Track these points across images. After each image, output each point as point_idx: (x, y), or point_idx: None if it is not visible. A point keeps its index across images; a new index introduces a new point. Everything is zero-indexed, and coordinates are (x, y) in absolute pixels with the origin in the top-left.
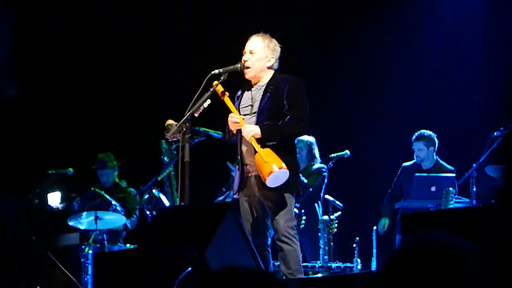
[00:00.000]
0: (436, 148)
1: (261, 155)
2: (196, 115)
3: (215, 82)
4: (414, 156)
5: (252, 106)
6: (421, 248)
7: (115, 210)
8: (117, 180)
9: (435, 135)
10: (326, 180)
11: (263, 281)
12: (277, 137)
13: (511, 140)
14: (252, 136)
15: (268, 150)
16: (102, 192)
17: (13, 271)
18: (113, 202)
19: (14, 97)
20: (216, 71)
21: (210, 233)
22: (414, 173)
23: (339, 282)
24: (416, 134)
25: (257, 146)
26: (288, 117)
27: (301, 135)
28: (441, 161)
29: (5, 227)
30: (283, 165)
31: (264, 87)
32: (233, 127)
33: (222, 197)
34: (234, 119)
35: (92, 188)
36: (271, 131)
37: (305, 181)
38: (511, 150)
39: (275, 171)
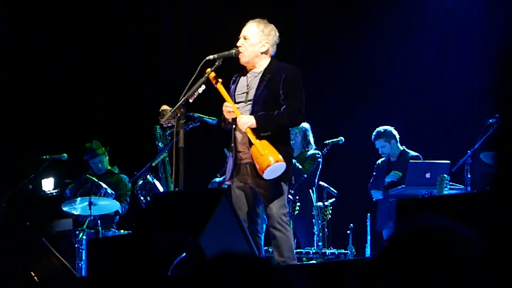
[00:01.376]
0: (398, 140)
1: (257, 147)
2: (190, 100)
3: (208, 70)
4: (381, 153)
5: (247, 93)
6: (416, 234)
7: (105, 194)
8: (109, 166)
9: (392, 128)
10: (320, 167)
11: (257, 267)
12: (272, 128)
13: (503, 128)
14: (248, 127)
15: (264, 142)
16: (94, 178)
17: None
18: (103, 186)
19: None
20: (211, 56)
21: (204, 218)
22: (384, 168)
23: (333, 268)
24: (373, 134)
25: (253, 138)
26: (284, 107)
27: (297, 125)
28: (407, 150)
29: None
30: (280, 157)
31: (260, 75)
32: (228, 116)
33: (217, 181)
34: (228, 109)
35: (84, 175)
36: (267, 122)
37: (300, 167)
38: (504, 138)
39: (272, 164)
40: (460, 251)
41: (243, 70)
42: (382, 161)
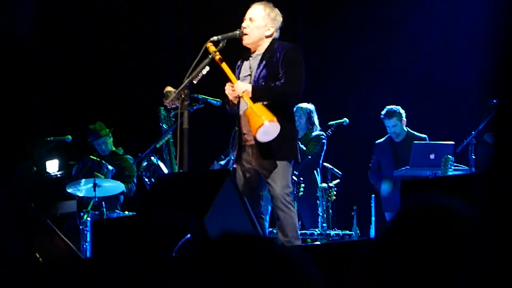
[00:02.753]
0: (405, 120)
1: (252, 108)
2: (194, 82)
3: (213, 48)
4: (390, 133)
5: (250, 75)
6: (418, 213)
7: (107, 171)
8: (113, 148)
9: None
10: (325, 148)
11: (261, 247)
12: (268, 96)
13: (501, 109)
14: (244, 92)
15: (259, 105)
16: (96, 158)
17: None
18: (104, 162)
19: None
20: (215, 37)
21: (209, 200)
22: (387, 148)
23: (337, 249)
24: (385, 111)
25: (249, 101)
26: (282, 80)
27: (294, 97)
28: (411, 131)
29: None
30: (275, 118)
31: (261, 55)
32: (230, 96)
33: (223, 163)
34: (230, 89)
35: (87, 156)
36: (263, 89)
37: (304, 148)
38: (502, 118)
39: (265, 124)
40: (461, 229)
41: (245, 54)
42: (382, 143)
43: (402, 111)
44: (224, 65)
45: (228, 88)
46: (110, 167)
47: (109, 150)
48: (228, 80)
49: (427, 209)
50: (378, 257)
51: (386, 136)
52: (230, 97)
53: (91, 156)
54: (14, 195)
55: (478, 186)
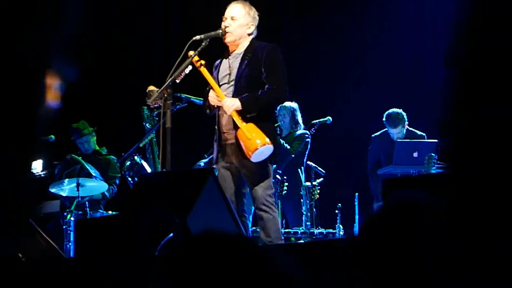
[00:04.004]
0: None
1: (244, 131)
2: (177, 81)
3: (191, 53)
4: (394, 139)
5: (229, 74)
6: (392, 210)
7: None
8: (97, 147)
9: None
10: (309, 146)
11: (243, 246)
12: (257, 108)
13: (458, 112)
14: (233, 110)
15: (251, 125)
16: (80, 159)
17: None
18: (92, 172)
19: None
20: (198, 37)
21: (192, 199)
22: (387, 141)
23: (320, 247)
24: (389, 119)
25: (239, 121)
26: (267, 86)
27: (281, 103)
28: (410, 129)
29: None
30: (267, 140)
31: (241, 55)
32: (213, 103)
33: (204, 161)
34: (214, 99)
35: (70, 155)
36: (251, 103)
37: (288, 147)
38: (459, 120)
39: (260, 147)
40: (432, 224)
41: (224, 54)
42: (380, 136)
43: (404, 114)
44: (202, 69)
45: (212, 97)
46: (99, 176)
47: (92, 149)
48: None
49: (398, 205)
50: (354, 254)
51: (384, 130)
52: (212, 103)
53: (75, 156)
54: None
55: (444, 183)
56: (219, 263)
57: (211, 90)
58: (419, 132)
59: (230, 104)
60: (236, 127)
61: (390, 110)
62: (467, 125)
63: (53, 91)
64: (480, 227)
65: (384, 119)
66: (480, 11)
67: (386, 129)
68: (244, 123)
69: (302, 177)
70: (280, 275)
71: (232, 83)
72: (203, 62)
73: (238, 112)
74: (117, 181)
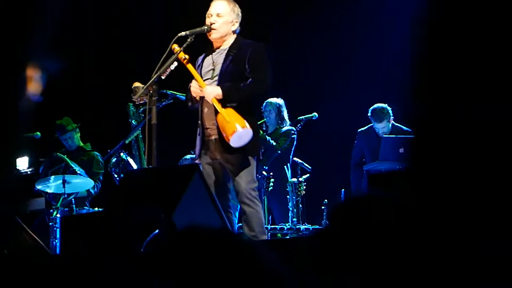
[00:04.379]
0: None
1: (223, 115)
2: (163, 77)
3: (176, 49)
4: (379, 134)
5: (213, 70)
6: (350, 206)
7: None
8: (81, 143)
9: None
10: (295, 143)
11: (228, 240)
12: (238, 97)
13: (417, 111)
14: (214, 97)
15: (230, 110)
16: (64, 157)
17: None
18: (77, 170)
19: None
20: (183, 33)
21: (177, 195)
22: (372, 136)
23: (305, 243)
24: (374, 113)
25: (218, 106)
26: (250, 80)
27: (262, 97)
28: (396, 125)
29: None
30: (246, 124)
31: (226, 51)
32: (195, 94)
33: (188, 158)
34: (196, 88)
35: (55, 153)
36: (232, 91)
37: (274, 143)
38: (419, 120)
39: (238, 130)
40: (384, 217)
41: (207, 50)
42: (365, 131)
43: (389, 109)
44: (189, 66)
45: (194, 87)
46: (81, 171)
47: (76, 146)
48: (193, 77)
49: (355, 202)
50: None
51: (370, 125)
52: (194, 94)
53: (60, 154)
54: None
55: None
56: (205, 258)
57: (193, 81)
58: (405, 128)
59: (211, 91)
60: (216, 115)
61: (375, 105)
62: (427, 124)
63: (34, 84)
64: (434, 223)
65: (369, 114)
66: (436, 14)
67: (372, 124)
68: (223, 108)
69: (288, 173)
70: (265, 270)
71: (216, 78)
72: (187, 57)
73: (219, 100)
74: (101, 177)
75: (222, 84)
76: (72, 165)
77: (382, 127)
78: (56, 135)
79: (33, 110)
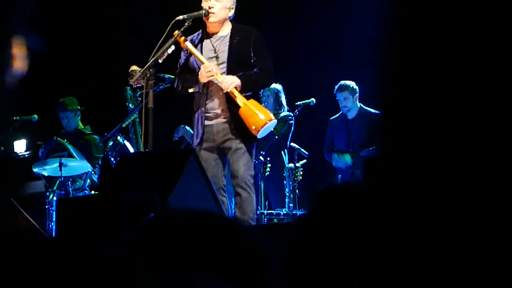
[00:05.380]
0: (358, 96)
1: (249, 106)
2: (160, 61)
3: (176, 32)
4: (342, 107)
5: (217, 57)
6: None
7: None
8: (80, 126)
9: (355, 83)
10: (292, 128)
11: (222, 226)
12: (253, 87)
13: (387, 99)
14: (234, 87)
15: (254, 101)
16: (65, 142)
17: None
18: (78, 158)
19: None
20: (181, 17)
21: (173, 179)
22: (341, 124)
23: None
24: (338, 85)
25: (240, 97)
26: (256, 69)
27: (269, 85)
28: (365, 107)
29: None
30: (271, 116)
31: (228, 38)
32: (206, 80)
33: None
34: (209, 73)
35: (55, 137)
36: (249, 81)
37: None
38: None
39: (267, 124)
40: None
41: (203, 34)
42: (336, 119)
43: (356, 87)
44: (191, 49)
45: (206, 73)
46: (78, 156)
47: (74, 128)
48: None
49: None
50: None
51: (340, 113)
52: (203, 80)
53: (60, 140)
54: None
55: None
56: (197, 241)
57: (202, 67)
58: (372, 110)
59: (231, 81)
60: (231, 105)
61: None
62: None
63: (19, 59)
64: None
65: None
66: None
67: (342, 111)
68: (246, 100)
69: (285, 159)
70: (259, 255)
71: (223, 66)
72: (186, 39)
73: (237, 90)
74: (100, 162)
75: (230, 71)
76: (72, 151)
77: (344, 98)
78: (56, 113)
79: (17, 87)
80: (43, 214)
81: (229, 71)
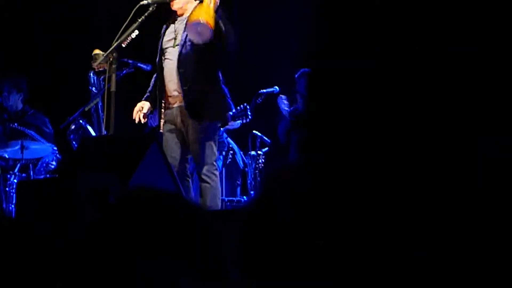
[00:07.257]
0: None
1: (204, 4)
2: (123, 45)
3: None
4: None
5: (175, 38)
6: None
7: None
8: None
9: None
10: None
11: (176, 204)
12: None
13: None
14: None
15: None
16: (22, 129)
17: None
18: (36, 137)
19: None
20: (145, 2)
21: (133, 163)
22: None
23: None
24: (298, 73)
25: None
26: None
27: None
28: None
29: None
30: (212, 24)
31: (186, 19)
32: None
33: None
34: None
35: (7, 123)
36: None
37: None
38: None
39: (202, 21)
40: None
41: (170, 19)
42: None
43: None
44: None
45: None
46: (35, 135)
47: (16, 107)
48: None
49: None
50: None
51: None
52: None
53: (14, 127)
54: None
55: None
56: (151, 219)
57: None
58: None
59: None
60: (188, 89)
61: None
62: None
63: None
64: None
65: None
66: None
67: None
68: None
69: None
70: (213, 240)
71: (177, 47)
72: None
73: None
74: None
75: (183, 53)
76: (33, 135)
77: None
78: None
79: None
80: (2, 196)
81: (182, 52)
